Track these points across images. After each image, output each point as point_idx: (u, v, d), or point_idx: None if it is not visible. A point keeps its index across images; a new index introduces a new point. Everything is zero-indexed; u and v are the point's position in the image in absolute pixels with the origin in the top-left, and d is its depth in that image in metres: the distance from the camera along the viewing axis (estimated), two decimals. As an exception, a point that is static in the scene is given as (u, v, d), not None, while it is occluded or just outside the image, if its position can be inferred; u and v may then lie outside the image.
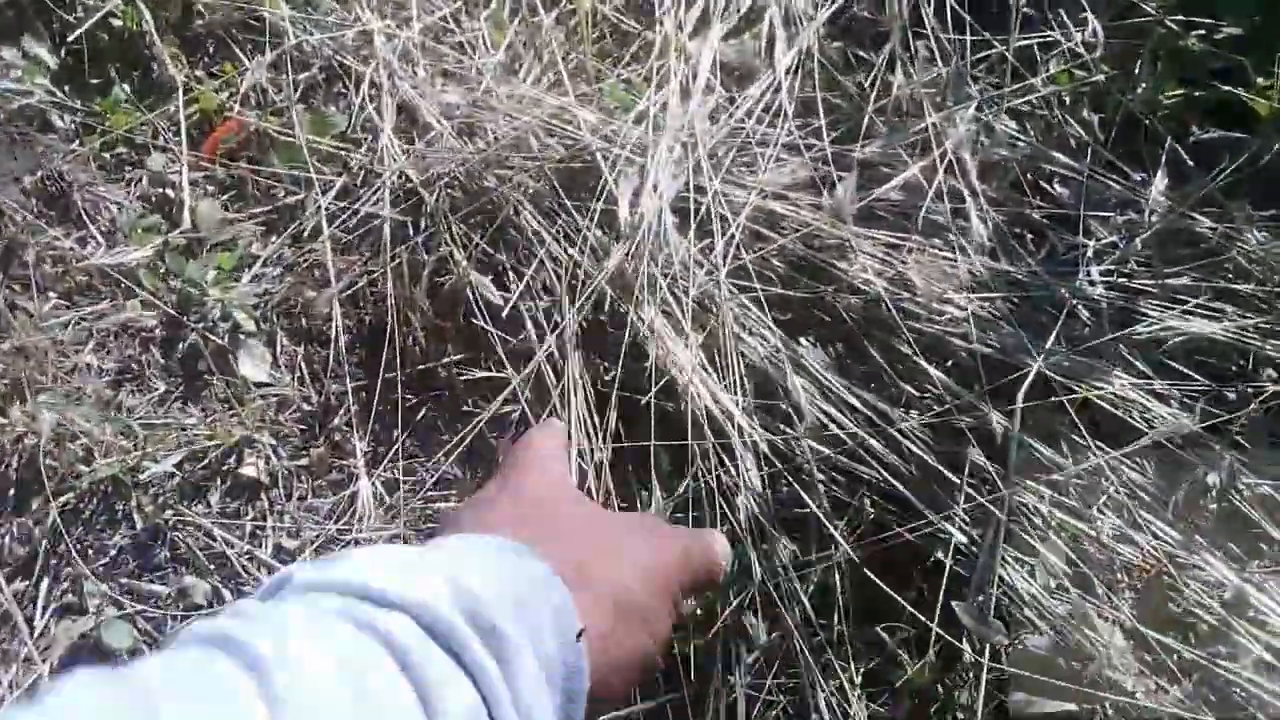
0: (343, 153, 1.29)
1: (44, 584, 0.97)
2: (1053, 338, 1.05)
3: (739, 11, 1.36)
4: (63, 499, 0.98)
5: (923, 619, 0.91)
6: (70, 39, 1.31)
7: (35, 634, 0.95)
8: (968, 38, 1.30)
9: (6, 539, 0.98)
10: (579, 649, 0.46)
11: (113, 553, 1.01)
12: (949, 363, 1.09)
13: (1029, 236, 1.20)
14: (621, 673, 0.52)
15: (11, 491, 1.01)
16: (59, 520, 0.97)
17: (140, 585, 0.99)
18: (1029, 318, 1.11)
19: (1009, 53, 1.28)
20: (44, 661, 0.94)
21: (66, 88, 1.32)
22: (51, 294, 1.14)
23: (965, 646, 0.90)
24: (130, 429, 1.04)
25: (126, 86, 1.33)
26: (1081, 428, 0.99)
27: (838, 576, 0.96)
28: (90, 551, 1.00)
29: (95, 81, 1.32)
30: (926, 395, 1.05)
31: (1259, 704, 0.84)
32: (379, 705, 0.36)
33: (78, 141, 1.29)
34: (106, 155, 1.28)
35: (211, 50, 1.39)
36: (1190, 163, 1.21)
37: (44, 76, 1.31)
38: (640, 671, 0.54)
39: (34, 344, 1.06)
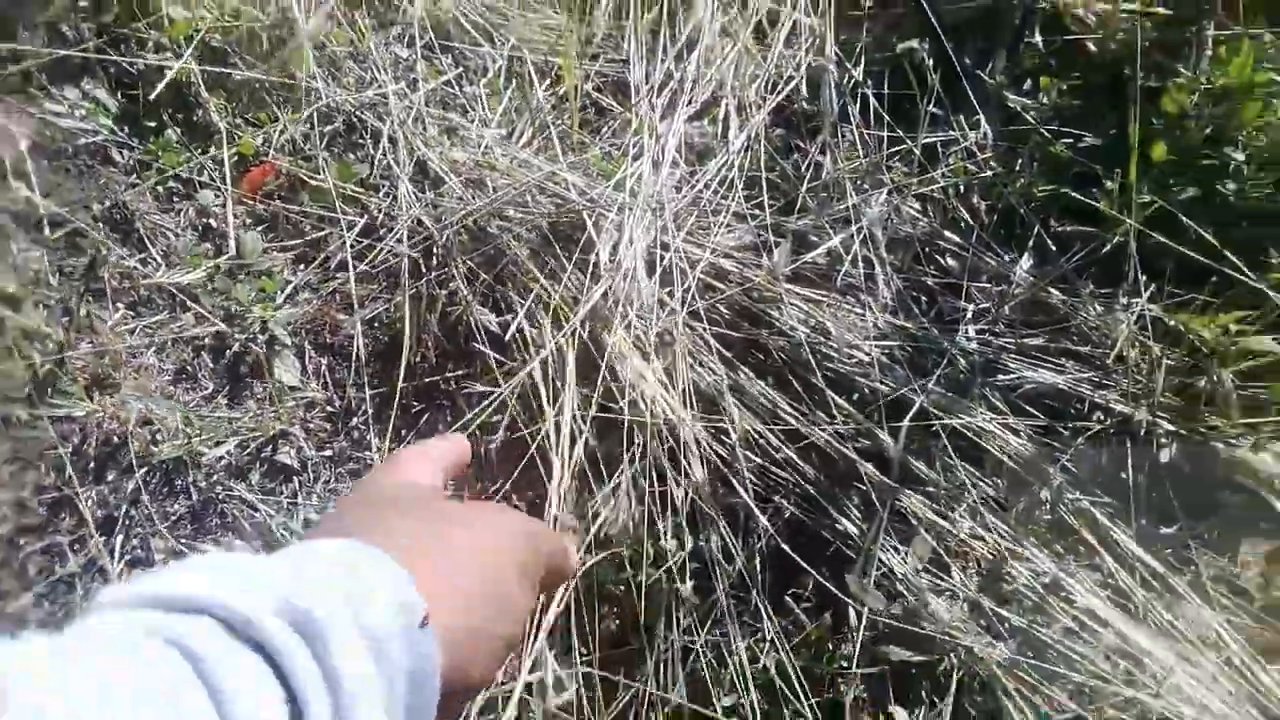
0: (363, 196, 1.54)
1: (118, 539, 1.19)
2: (934, 379, 1.34)
3: (700, 99, 1.65)
4: (141, 472, 1.21)
5: (827, 586, 1.18)
6: (128, 84, 1.54)
7: (112, 579, 1.16)
8: (885, 133, 1.61)
9: (89, 503, 1.20)
10: (427, 637, 0.44)
11: (174, 518, 1.23)
12: (854, 395, 1.37)
13: (923, 299, 1.49)
14: (479, 658, 0.49)
15: (92, 465, 1.23)
16: (141, 485, 1.20)
17: (196, 545, 1.22)
18: (918, 364, 1.40)
19: (917, 147, 1.59)
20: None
21: (126, 128, 1.54)
22: (120, 305, 1.36)
23: (852, 612, 1.18)
24: (190, 419, 1.27)
25: (177, 129, 1.56)
26: (950, 451, 1.28)
27: (758, 558, 1.23)
28: (155, 517, 1.22)
29: (150, 124, 1.55)
30: (835, 420, 1.33)
31: (1065, 661, 1.13)
32: (166, 711, 0.34)
33: (135, 175, 1.51)
34: (160, 188, 1.51)
35: (248, 100, 1.62)
36: (1052, 247, 1.52)
37: (106, 117, 1.53)
38: (498, 654, 0.52)
39: (111, 346, 1.28)
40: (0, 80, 1.49)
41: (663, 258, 1.40)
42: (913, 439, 1.32)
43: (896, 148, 1.60)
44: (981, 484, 1.30)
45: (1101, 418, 1.37)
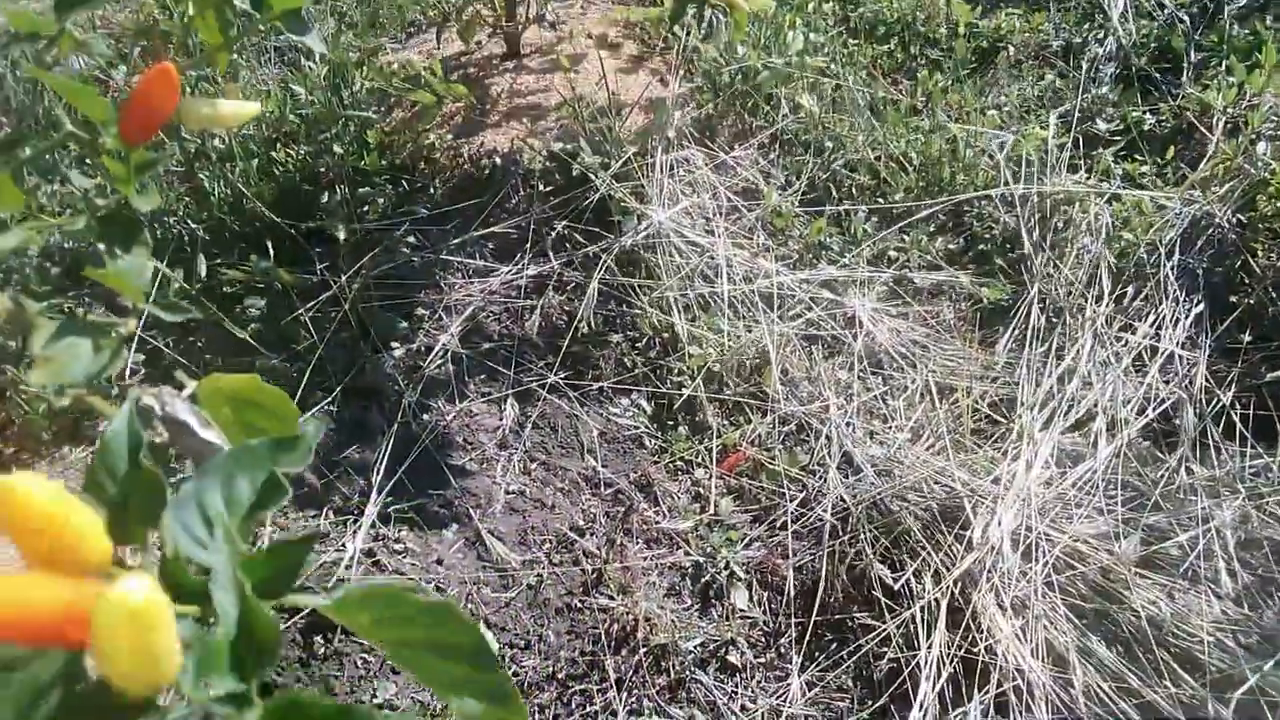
0: (803, 478, 2.13)
1: (624, 695, 1.81)
2: (1272, 663, 1.54)
3: (1075, 416, 2.05)
4: (642, 651, 1.84)
5: None
6: (660, 396, 2.34)
7: (617, 721, 1.78)
8: (1247, 449, 1.87)
9: (609, 668, 1.84)
10: None
11: (658, 688, 1.82)
12: (1194, 670, 1.60)
13: (1275, 594, 1.68)
14: None
15: (613, 643, 1.89)
16: (641, 660, 1.82)
17: (671, 708, 1.80)
18: (1263, 649, 1.60)
19: (1275, 464, 1.83)
20: None
21: (654, 425, 2.32)
22: (640, 540, 2.07)
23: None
24: (675, 621, 1.89)
25: (686, 427, 2.31)
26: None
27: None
28: (647, 683, 1.83)
29: (670, 423, 2.32)
30: (1173, 686, 1.57)
31: None
32: None
33: (656, 456, 2.27)
34: (671, 465, 2.24)
35: (732, 408, 2.34)
36: None
37: (644, 417, 2.33)
38: None
39: (633, 566, 1.97)
40: (585, 392, 2.36)
41: (1026, 538, 1.79)
42: (1255, 715, 1.51)
43: (1256, 462, 1.85)
44: (1320, 765, 1.45)
45: None
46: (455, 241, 2.57)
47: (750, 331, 2.40)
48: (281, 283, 2.44)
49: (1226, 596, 1.66)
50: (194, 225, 2.64)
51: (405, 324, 2.41)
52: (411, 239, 2.60)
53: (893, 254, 2.54)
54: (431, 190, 2.71)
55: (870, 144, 2.76)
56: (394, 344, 2.37)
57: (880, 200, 2.67)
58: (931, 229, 2.58)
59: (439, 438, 2.20)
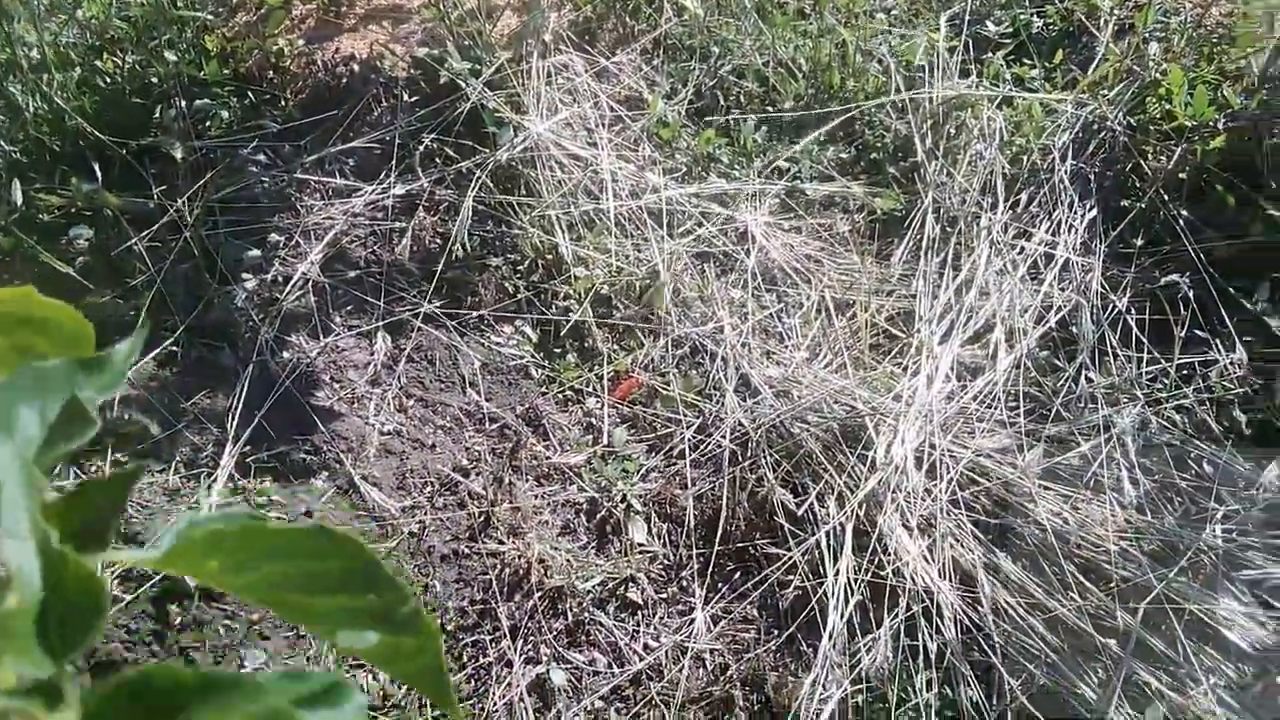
0: (700, 403, 2.03)
1: (519, 642, 1.69)
2: (1175, 570, 1.52)
3: (975, 327, 2.00)
4: (536, 595, 1.71)
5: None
6: (545, 323, 2.19)
7: (516, 670, 1.66)
8: (1145, 355, 1.85)
9: (502, 616, 1.72)
10: None
11: (555, 632, 1.71)
12: (1101, 580, 1.58)
13: (1175, 499, 1.68)
14: None
15: (506, 587, 1.76)
16: (536, 605, 1.70)
17: (570, 653, 1.69)
18: (1165, 556, 1.58)
19: (1171, 367, 1.81)
20: (520, 700, 1.64)
21: (540, 353, 2.17)
22: (530, 477, 1.93)
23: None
24: (570, 561, 1.77)
25: (575, 354, 2.16)
26: (1192, 635, 1.45)
27: (1009, 715, 1.46)
28: (544, 629, 1.71)
29: (557, 350, 2.17)
30: (1080, 598, 1.55)
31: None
32: None
33: (544, 387, 2.12)
34: (560, 396, 2.10)
35: (623, 331, 2.20)
36: (1310, 457, 1.65)
37: (529, 345, 2.18)
38: None
39: (523, 506, 1.84)
40: (464, 320, 2.18)
41: (930, 455, 1.73)
42: (1159, 622, 1.50)
43: (1153, 367, 1.83)
44: (1222, 667, 1.44)
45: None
46: (311, 159, 2.33)
47: (640, 251, 2.26)
48: (111, 209, 2.15)
49: (1129, 505, 1.64)
50: (7, 147, 2.31)
51: (257, 252, 2.17)
52: (261, 157, 2.34)
53: (784, 165, 2.43)
54: (282, 102, 2.45)
55: (758, 49, 2.61)
56: (245, 275, 2.13)
57: (770, 109, 2.54)
58: (823, 138, 2.47)
59: (302, 377, 2.00)
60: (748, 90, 2.59)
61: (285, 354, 2.04)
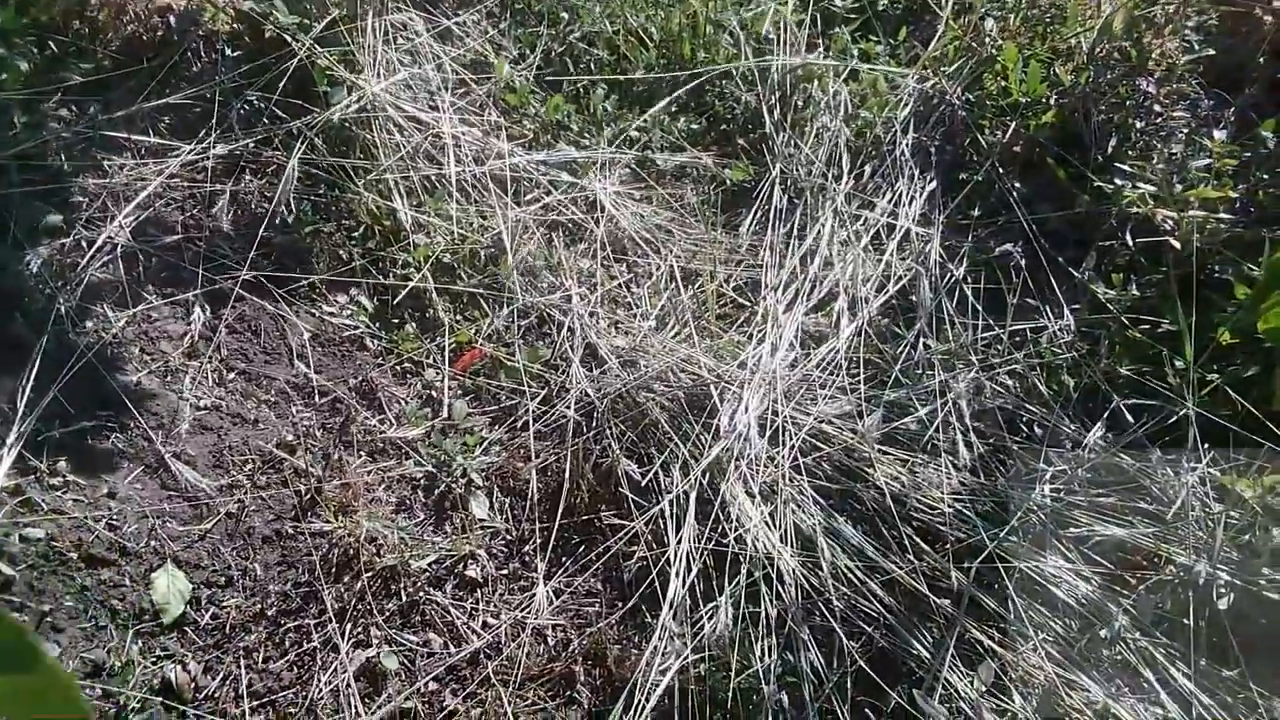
0: (545, 374, 1.96)
1: (348, 626, 1.58)
2: (1006, 529, 1.55)
3: (819, 296, 2.00)
4: (366, 576, 1.61)
5: (901, 704, 1.39)
6: (382, 291, 2.07)
7: (342, 655, 1.55)
8: (980, 321, 1.88)
9: (328, 599, 1.61)
10: None
11: (388, 614, 1.61)
12: (938, 542, 1.60)
13: (1008, 461, 1.71)
14: None
15: (334, 569, 1.65)
16: (366, 586, 1.60)
17: (403, 635, 1.59)
18: (998, 516, 1.61)
19: (1004, 333, 1.85)
20: (347, 686, 1.54)
21: (377, 323, 2.05)
22: (362, 453, 1.82)
23: (918, 720, 1.38)
24: (404, 539, 1.67)
25: (414, 324, 2.05)
26: (1022, 591, 1.48)
27: (848, 678, 1.45)
28: (375, 611, 1.61)
29: (395, 320, 2.06)
30: (915, 561, 1.56)
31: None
32: None
33: (381, 358, 2.01)
34: (398, 368, 1.99)
35: (466, 301, 2.11)
36: (1130, 419, 1.71)
37: (364, 315, 2.06)
38: None
39: (354, 482, 1.73)
40: (294, 289, 2.04)
41: (773, 422, 1.71)
42: (991, 581, 1.52)
43: (988, 334, 1.87)
44: (1050, 623, 1.48)
45: (1175, 570, 1.51)
46: (120, 114, 2.13)
47: (485, 219, 2.17)
48: (-119, 163, 1.92)
49: (964, 467, 1.66)
50: None
51: (58, 216, 1.97)
52: (64, 112, 2.13)
53: (634, 134, 2.38)
54: (90, 54, 2.23)
55: (608, 15, 2.55)
56: (43, 239, 1.93)
57: (620, 77, 2.48)
58: (673, 109, 2.44)
59: (106, 350, 1.83)
60: (598, 58, 2.52)
61: (88, 324, 1.86)
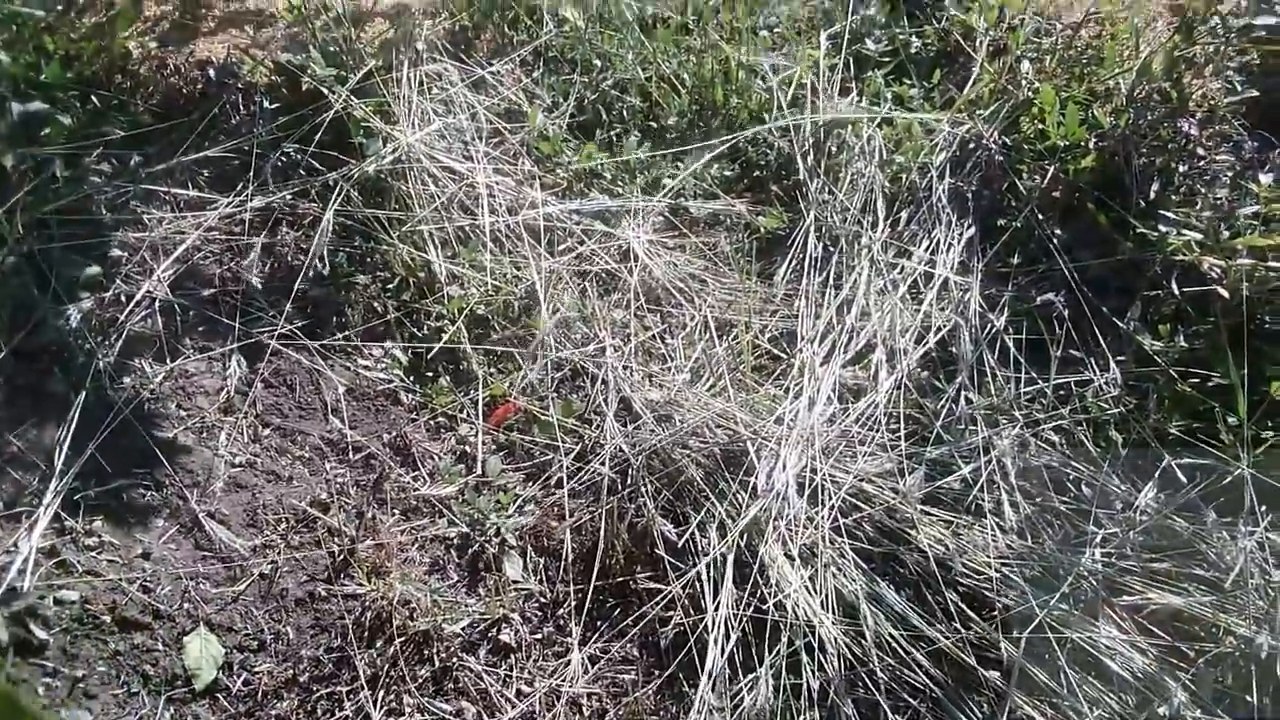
0: (579, 428, 1.93)
1: (380, 693, 1.56)
2: (1056, 596, 1.50)
3: (856, 348, 1.96)
4: (399, 640, 1.59)
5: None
6: (417, 344, 2.07)
7: (372, 724, 1.53)
8: (1021, 375, 1.84)
9: (361, 665, 1.59)
10: None
11: (420, 680, 1.59)
12: (984, 609, 1.55)
13: (1055, 523, 1.66)
14: None
15: (366, 633, 1.63)
16: (399, 651, 1.58)
17: (435, 704, 1.57)
18: (1046, 582, 1.56)
19: (1049, 387, 1.80)
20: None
21: (411, 377, 2.05)
22: (396, 511, 1.80)
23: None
24: (437, 602, 1.65)
25: (448, 377, 2.04)
26: (1074, 664, 1.43)
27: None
28: (407, 678, 1.59)
29: (429, 374, 2.05)
30: (962, 630, 1.51)
31: None
32: None
33: (415, 413, 1.99)
34: (431, 422, 1.98)
35: (500, 353, 2.09)
36: (1182, 478, 1.66)
37: (399, 369, 2.05)
38: None
39: (387, 542, 1.71)
40: (330, 343, 2.04)
41: (812, 480, 1.68)
42: (1041, 651, 1.47)
43: (1031, 387, 1.82)
44: (1105, 698, 1.42)
45: (1234, 641, 1.45)
46: (160, 168, 2.16)
47: (518, 269, 2.16)
48: (-75, 221, 1.95)
49: (1010, 529, 1.61)
50: None
51: (97, 268, 1.99)
52: (105, 166, 2.16)
53: (667, 182, 2.36)
54: (130, 108, 2.26)
55: (640, 63, 2.55)
56: (83, 293, 1.94)
57: (653, 124, 2.48)
58: (706, 156, 2.42)
59: (143, 405, 1.83)
60: (631, 105, 2.52)
61: (126, 379, 1.86)
